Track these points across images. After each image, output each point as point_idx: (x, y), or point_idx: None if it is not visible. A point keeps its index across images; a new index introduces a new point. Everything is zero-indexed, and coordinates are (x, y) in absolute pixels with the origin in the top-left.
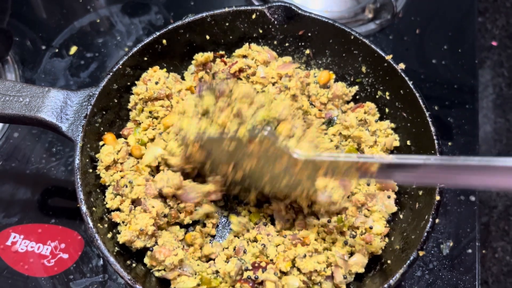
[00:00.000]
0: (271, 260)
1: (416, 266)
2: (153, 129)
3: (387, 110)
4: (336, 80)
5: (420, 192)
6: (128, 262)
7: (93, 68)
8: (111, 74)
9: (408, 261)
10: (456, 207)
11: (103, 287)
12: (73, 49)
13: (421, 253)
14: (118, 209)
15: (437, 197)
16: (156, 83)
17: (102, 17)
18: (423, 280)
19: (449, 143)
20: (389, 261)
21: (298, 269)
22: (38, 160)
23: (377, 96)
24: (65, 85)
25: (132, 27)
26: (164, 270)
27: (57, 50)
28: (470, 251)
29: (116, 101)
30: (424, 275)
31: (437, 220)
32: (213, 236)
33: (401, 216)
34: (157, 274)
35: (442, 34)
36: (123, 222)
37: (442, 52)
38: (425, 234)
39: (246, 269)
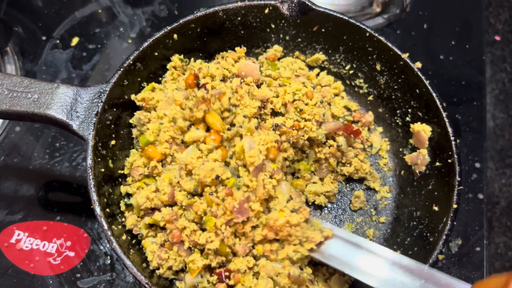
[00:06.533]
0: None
1: None
2: None
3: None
4: (349, 77)
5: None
6: (144, 264)
7: (96, 60)
8: (121, 70)
9: (428, 264)
10: (465, 205)
11: (111, 285)
12: (75, 40)
13: (440, 257)
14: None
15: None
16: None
17: (103, 7)
18: None
19: (457, 141)
20: None
21: None
22: (41, 155)
23: (392, 96)
24: (67, 78)
25: (135, 18)
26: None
27: (58, 41)
28: (478, 249)
29: (127, 97)
30: None
31: None
32: None
33: (418, 213)
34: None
35: (450, 30)
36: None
37: (450, 48)
38: (444, 237)
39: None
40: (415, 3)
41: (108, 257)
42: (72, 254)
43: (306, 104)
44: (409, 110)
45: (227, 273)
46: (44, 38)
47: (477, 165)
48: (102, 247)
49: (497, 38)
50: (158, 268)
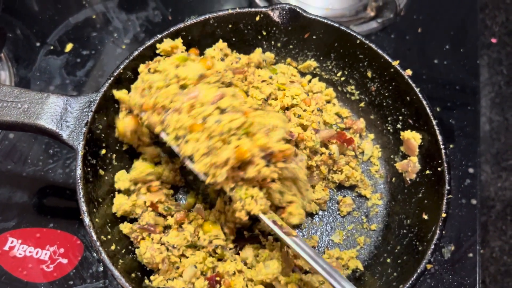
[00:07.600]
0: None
1: None
2: None
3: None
4: (341, 84)
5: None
6: (133, 275)
7: (90, 66)
8: (111, 78)
9: (416, 274)
10: (458, 210)
11: None
12: (69, 46)
13: (428, 266)
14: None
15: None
16: None
17: (98, 13)
18: (425, 284)
19: (451, 146)
20: (395, 274)
21: None
22: (35, 162)
23: (384, 103)
24: (61, 84)
25: (129, 24)
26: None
27: (52, 47)
28: (471, 255)
29: (117, 106)
30: (426, 279)
31: None
32: None
33: (409, 221)
34: None
35: (444, 34)
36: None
37: (444, 52)
38: (432, 246)
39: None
40: (409, 7)
41: (101, 264)
42: (65, 261)
43: (304, 111)
44: (400, 117)
45: (217, 278)
46: (38, 44)
47: (471, 170)
48: (95, 254)
49: (494, 40)
50: (152, 271)
